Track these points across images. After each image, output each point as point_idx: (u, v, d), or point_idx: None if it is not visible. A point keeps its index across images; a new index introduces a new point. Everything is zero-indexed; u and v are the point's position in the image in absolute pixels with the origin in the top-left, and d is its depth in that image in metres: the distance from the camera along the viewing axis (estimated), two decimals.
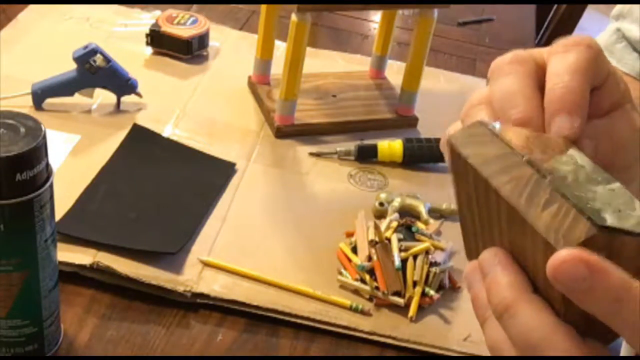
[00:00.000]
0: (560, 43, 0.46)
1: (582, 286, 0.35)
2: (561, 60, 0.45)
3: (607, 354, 0.38)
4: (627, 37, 0.80)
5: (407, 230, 0.87)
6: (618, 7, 0.83)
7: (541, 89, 0.45)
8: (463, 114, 0.47)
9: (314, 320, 0.79)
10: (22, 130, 0.62)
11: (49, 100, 1.02)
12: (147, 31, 1.15)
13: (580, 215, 0.37)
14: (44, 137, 0.62)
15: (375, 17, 1.36)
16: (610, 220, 0.36)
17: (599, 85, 0.46)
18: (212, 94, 1.11)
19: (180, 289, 0.79)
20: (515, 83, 0.45)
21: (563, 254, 0.35)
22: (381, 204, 0.93)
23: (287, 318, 0.79)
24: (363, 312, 0.81)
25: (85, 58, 1.00)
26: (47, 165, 0.64)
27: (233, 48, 1.21)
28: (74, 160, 0.94)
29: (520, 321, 0.39)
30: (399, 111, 1.10)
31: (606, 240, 0.36)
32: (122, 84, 1.03)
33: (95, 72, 1.01)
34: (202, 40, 1.16)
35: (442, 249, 0.86)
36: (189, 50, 1.15)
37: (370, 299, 0.82)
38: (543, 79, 0.45)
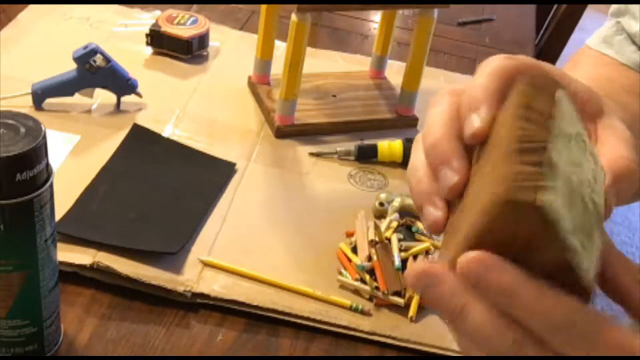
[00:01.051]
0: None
1: (427, 291, 0.43)
2: (478, 75, 0.48)
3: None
4: (627, 30, 0.82)
5: (407, 230, 0.87)
6: (615, 6, 0.85)
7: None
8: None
9: (314, 320, 0.79)
10: (22, 130, 0.62)
11: (49, 100, 1.02)
12: (147, 31, 1.15)
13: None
14: (44, 137, 0.62)
15: (375, 17, 1.36)
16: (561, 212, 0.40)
17: None
18: (212, 94, 1.11)
19: (180, 289, 0.79)
20: (436, 113, 0.48)
21: (418, 266, 0.43)
22: (381, 204, 0.93)
23: (287, 318, 0.79)
24: (363, 312, 0.81)
25: (85, 58, 1.00)
26: (47, 165, 0.64)
27: (233, 48, 1.21)
28: (74, 160, 0.94)
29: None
30: (399, 111, 1.10)
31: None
32: (122, 84, 1.03)
33: (95, 72, 1.01)
34: (202, 40, 1.16)
35: None
36: (189, 50, 1.15)
37: (370, 299, 0.82)
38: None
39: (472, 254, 0.40)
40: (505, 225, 0.41)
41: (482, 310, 0.41)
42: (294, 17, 0.97)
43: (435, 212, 0.47)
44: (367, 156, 1.02)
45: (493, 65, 0.48)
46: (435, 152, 0.46)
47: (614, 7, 0.85)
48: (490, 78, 0.47)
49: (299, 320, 0.79)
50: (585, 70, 0.82)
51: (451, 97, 0.49)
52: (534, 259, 0.41)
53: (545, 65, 0.51)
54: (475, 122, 0.45)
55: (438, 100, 0.49)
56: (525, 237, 0.40)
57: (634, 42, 0.82)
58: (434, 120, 0.48)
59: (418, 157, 0.49)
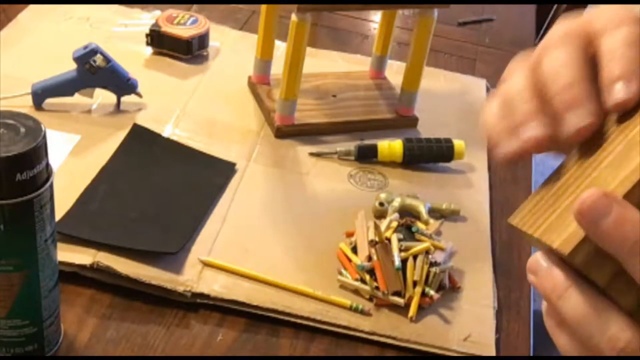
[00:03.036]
0: (607, 18, 0.45)
1: (605, 222, 0.36)
2: (613, 36, 0.43)
3: None
4: None
5: (407, 230, 0.87)
6: None
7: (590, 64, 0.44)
8: (504, 76, 0.47)
9: (314, 320, 0.79)
10: (22, 130, 0.62)
11: (49, 100, 1.02)
12: (147, 31, 1.15)
13: None
14: (44, 137, 0.62)
15: (375, 17, 1.36)
16: None
17: None
18: (212, 94, 1.11)
19: (180, 289, 0.79)
20: (564, 54, 0.44)
21: (591, 191, 0.37)
22: (381, 204, 0.93)
23: (287, 318, 0.79)
24: (363, 312, 0.81)
25: (85, 58, 1.00)
26: (47, 165, 0.64)
27: (233, 48, 1.21)
28: (74, 160, 0.94)
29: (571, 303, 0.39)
30: (399, 111, 1.10)
31: None
32: (122, 84, 1.03)
33: (95, 72, 1.01)
34: (202, 40, 1.16)
35: (442, 249, 0.86)
36: (189, 50, 1.15)
37: (370, 299, 0.82)
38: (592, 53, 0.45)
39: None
40: None
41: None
42: (294, 17, 0.97)
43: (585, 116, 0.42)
44: (367, 156, 1.02)
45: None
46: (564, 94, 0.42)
47: None
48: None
49: (299, 320, 0.79)
50: None
51: (528, 70, 0.45)
52: None
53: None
54: (624, 91, 0.41)
55: (512, 71, 0.46)
56: None
57: None
58: (510, 87, 0.45)
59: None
